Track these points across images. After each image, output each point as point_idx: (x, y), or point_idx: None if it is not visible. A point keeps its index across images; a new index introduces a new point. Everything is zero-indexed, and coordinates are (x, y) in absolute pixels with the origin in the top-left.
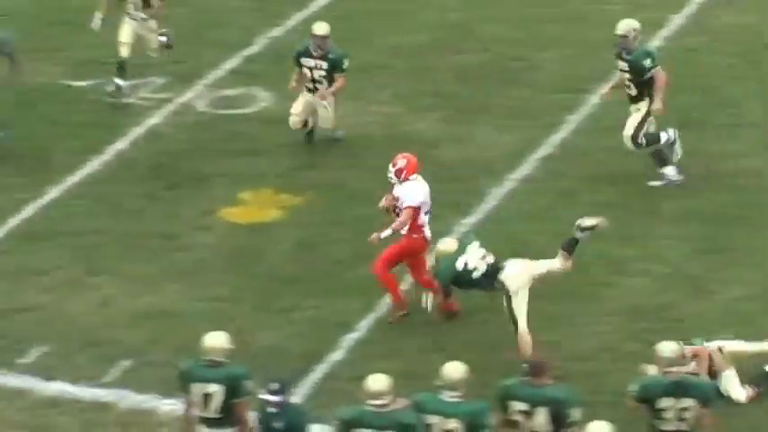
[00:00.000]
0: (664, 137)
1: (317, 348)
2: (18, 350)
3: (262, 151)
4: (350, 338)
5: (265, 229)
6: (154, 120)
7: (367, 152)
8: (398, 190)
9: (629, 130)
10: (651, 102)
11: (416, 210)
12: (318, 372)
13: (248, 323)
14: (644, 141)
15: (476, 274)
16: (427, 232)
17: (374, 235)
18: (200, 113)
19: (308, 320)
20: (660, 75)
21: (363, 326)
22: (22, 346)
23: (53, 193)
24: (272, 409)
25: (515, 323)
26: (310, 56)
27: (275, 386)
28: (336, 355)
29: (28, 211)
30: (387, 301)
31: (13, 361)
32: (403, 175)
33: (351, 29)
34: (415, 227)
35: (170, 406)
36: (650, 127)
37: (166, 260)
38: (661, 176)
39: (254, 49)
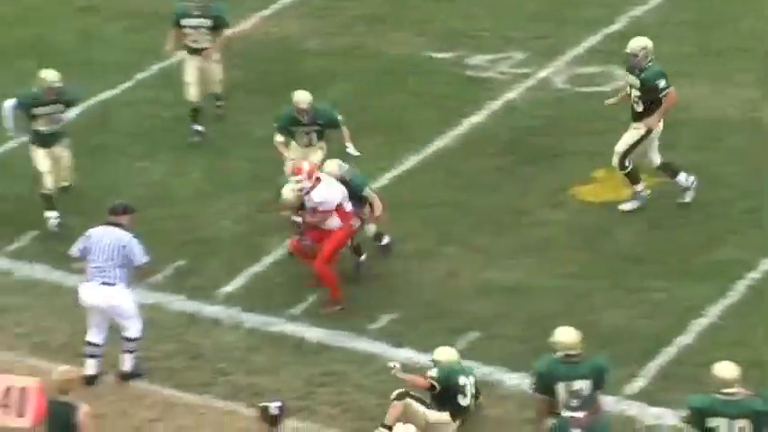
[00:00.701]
0: (682, 177)
1: (664, 331)
2: (369, 316)
3: (616, 130)
4: (699, 323)
5: (617, 208)
6: (511, 94)
7: (725, 135)
8: (317, 195)
9: (621, 146)
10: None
11: (340, 205)
12: (665, 355)
13: (597, 302)
14: (630, 166)
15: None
16: (355, 219)
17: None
18: (557, 90)
19: (655, 302)
20: (671, 97)
21: (714, 312)
22: (373, 313)
23: (410, 163)
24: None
25: None
26: None
27: (578, 402)
28: (684, 340)
29: (385, 179)
30: (740, 288)
31: (364, 327)
32: (314, 176)
33: (708, 11)
34: (345, 216)
35: (516, 380)
36: (655, 152)
37: (517, 235)
38: (681, 187)
39: (614, 27)
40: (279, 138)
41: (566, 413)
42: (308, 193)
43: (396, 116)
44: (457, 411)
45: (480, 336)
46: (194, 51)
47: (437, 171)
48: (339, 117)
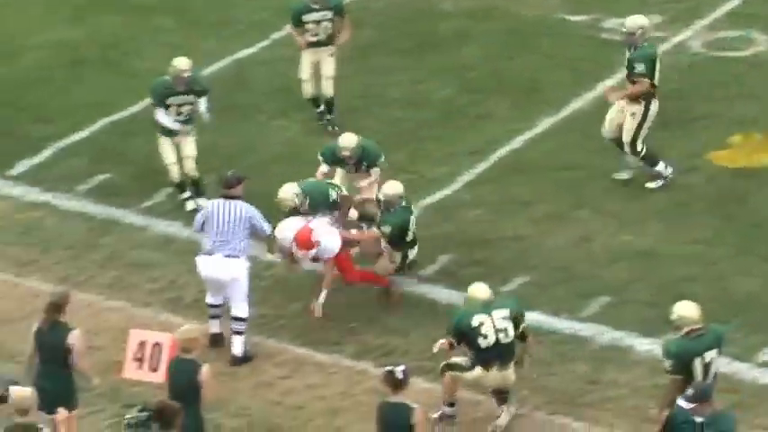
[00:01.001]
0: (661, 166)
1: None
2: (501, 278)
3: (754, 95)
4: None
5: (753, 174)
6: None
7: None
8: (324, 252)
9: (626, 136)
10: (647, 106)
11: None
12: None
13: (728, 268)
14: (643, 149)
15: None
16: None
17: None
18: (694, 54)
19: None
20: (642, 86)
21: None
22: (505, 275)
23: (544, 125)
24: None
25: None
26: None
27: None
28: None
29: (518, 141)
30: None
31: (495, 289)
32: (312, 242)
33: None
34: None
35: (647, 345)
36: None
37: (649, 200)
38: (656, 176)
39: None
40: (323, 168)
41: (686, 403)
42: (316, 258)
43: (529, 78)
44: (483, 358)
45: (611, 300)
46: (312, 45)
47: (571, 134)
48: (382, 158)
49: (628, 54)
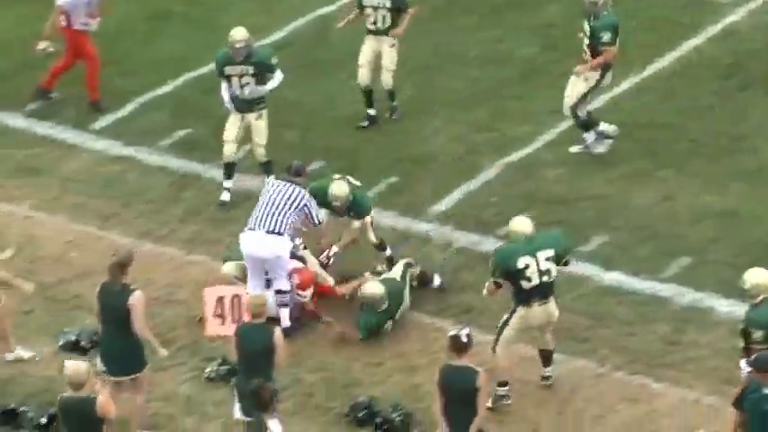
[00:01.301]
0: (590, 135)
1: None
2: (581, 238)
3: None
4: None
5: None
6: (733, 17)
7: None
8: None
9: (572, 98)
10: (603, 75)
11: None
12: None
13: None
14: (584, 115)
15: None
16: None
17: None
18: None
19: None
20: (610, 54)
21: None
22: (586, 234)
23: (627, 85)
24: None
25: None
26: None
27: None
28: None
29: (600, 101)
30: None
31: (576, 249)
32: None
33: None
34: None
35: (727, 307)
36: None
37: (732, 160)
38: (581, 141)
39: None
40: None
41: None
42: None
43: None
44: (523, 298)
45: (692, 261)
46: (372, 33)
47: (653, 94)
48: (371, 213)
49: (588, 24)
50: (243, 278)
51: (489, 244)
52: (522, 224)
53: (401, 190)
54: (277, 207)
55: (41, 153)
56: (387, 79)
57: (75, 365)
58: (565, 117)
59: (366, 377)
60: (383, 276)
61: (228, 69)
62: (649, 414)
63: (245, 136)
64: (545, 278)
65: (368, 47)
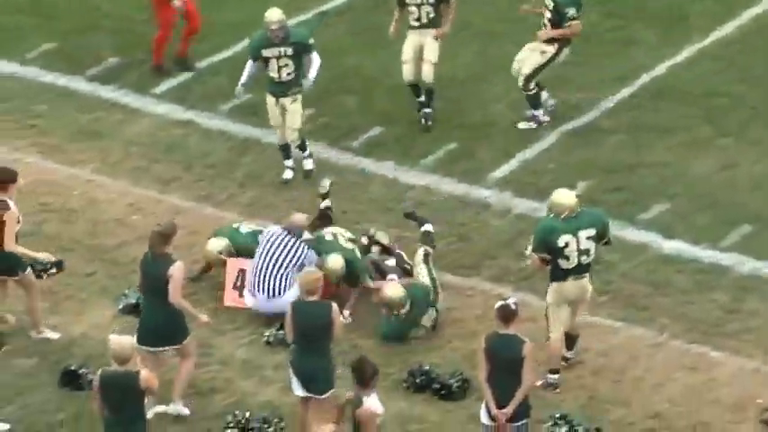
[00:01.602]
0: (544, 95)
1: None
2: (640, 205)
3: None
4: None
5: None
6: None
7: None
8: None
9: (527, 68)
10: (560, 50)
11: None
12: None
13: None
14: (535, 89)
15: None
16: None
17: None
18: None
19: None
20: (575, 28)
21: None
22: (645, 202)
23: (688, 52)
24: None
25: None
26: None
27: None
28: None
29: (662, 68)
30: None
31: (634, 216)
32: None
33: None
34: None
35: None
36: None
37: None
38: (531, 118)
39: None
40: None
41: None
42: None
43: (674, 5)
44: (559, 275)
45: (753, 229)
46: (415, 28)
47: (715, 62)
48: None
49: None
50: (228, 255)
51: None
52: (565, 197)
53: (460, 156)
54: (277, 265)
55: (104, 117)
56: (427, 72)
57: (119, 340)
58: (625, 84)
59: (424, 342)
60: (408, 281)
61: (266, 52)
62: (708, 383)
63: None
64: (583, 258)
65: (410, 42)
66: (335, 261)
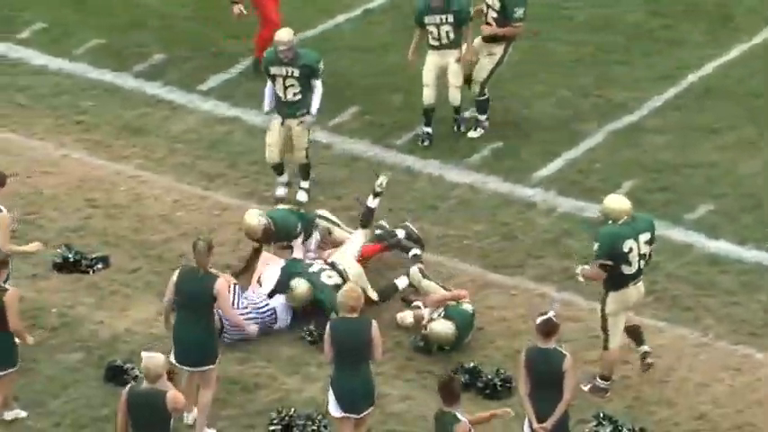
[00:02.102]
0: (484, 117)
1: None
2: (686, 206)
3: None
4: None
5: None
6: None
7: None
8: None
9: (483, 74)
10: (506, 50)
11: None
12: None
13: None
14: (487, 94)
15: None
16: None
17: None
18: None
19: None
20: (518, 30)
21: None
22: (691, 202)
23: (735, 52)
24: None
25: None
26: None
27: None
28: None
29: (709, 68)
30: None
31: (680, 216)
32: None
33: None
34: None
35: None
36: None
37: None
38: (479, 123)
39: None
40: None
41: None
42: None
43: (721, 4)
44: (619, 282)
45: None
46: (435, 48)
47: (762, 61)
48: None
49: None
50: (266, 234)
51: (593, 210)
52: (621, 202)
53: (504, 155)
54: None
55: (149, 113)
56: (454, 96)
57: (153, 358)
58: (671, 83)
59: (469, 342)
60: (447, 305)
61: (274, 69)
62: (753, 384)
63: (286, 143)
64: (642, 262)
65: (431, 64)
66: (301, 287)
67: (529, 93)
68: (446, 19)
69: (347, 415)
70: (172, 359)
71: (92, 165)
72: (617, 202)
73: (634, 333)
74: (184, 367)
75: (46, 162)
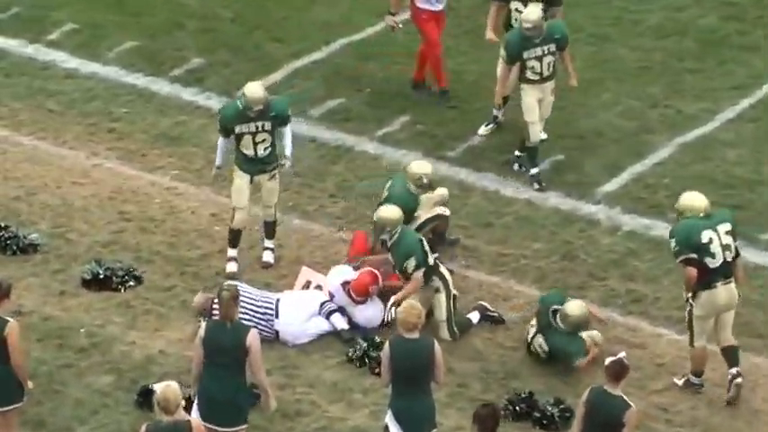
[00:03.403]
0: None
1: None
2: (761, 225)
3: None
4: None
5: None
6: None
7: None
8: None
9: None
10: None
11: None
12: None
13: None
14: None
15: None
16: None
17: None
18: None
19: None
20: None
21: None
22: (765, 222)
23: None
24: None
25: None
26: None
27: None
28: None
29: None
30: None
31: (754, 236)
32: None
33: None
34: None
35: None
36: None
37: None
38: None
39: None
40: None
41: None
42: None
43: None
44: (707, 281)
45: None
46: (534, 82)
47: None
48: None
49: None
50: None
51: (661, 229)
52: (697, 199)
53: (566, 168)
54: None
55: (186, 121)
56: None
57: (169, 386)
58: (746, 94)
59: (525, 368)
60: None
61: (240, 128)
62: None
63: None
64: (727, 254)
65: (532, 98)
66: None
67: (593, 102)
68: (549, 50)
69: None
70: (194, 415)
71: (125, 175)
72: (694, 199)
73: (729, 353)
74: (212, 426)
75: (76, 172)
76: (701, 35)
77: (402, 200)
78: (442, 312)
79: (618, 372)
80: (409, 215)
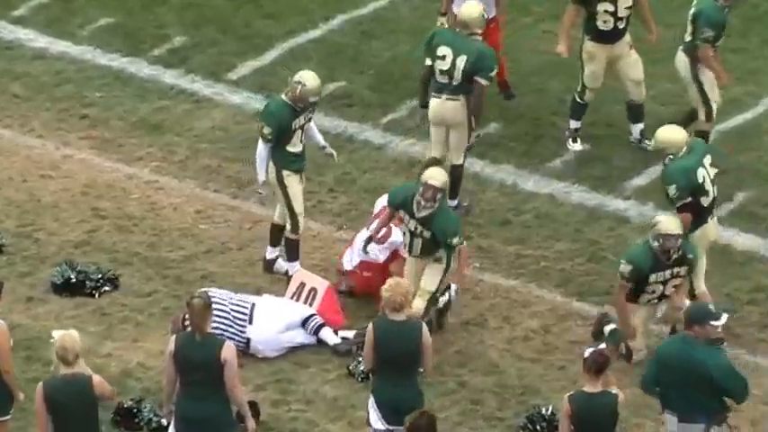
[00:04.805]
0: None
1: None
2: None
3: None
4: None
5: None
6: None
7: None
8: None
9: None
10: None
11: None
12: None
13: None
14: None
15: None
16: None
17: None
18: None
19: None
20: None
21: None
22: None
23: None
24: None
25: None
26: None
27: None
28: None
29: None
30: None
31: None
32: None
33: None
34: None
35: None
36: None
37: None
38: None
39: None
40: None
41: None
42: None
43: None
44: (703, 219)
45: None
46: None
47: None
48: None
49: None
50: None
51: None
52: (677, 132)
53: (592, 160)
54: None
55: (168, 107)
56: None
57: (67, 335)
58: None
59: (545, 383)
60: None
61: (297, 122)
62: None
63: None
64: (714, 188)
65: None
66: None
67: (620, 89)
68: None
69: (392, 428)
70: None
71: (99, 168)
72: (673, 133)
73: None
74: None
75: (45, 164)
76: (744, 10)
77: None
78: (431, 282)
79: (600, 364)
80: None
